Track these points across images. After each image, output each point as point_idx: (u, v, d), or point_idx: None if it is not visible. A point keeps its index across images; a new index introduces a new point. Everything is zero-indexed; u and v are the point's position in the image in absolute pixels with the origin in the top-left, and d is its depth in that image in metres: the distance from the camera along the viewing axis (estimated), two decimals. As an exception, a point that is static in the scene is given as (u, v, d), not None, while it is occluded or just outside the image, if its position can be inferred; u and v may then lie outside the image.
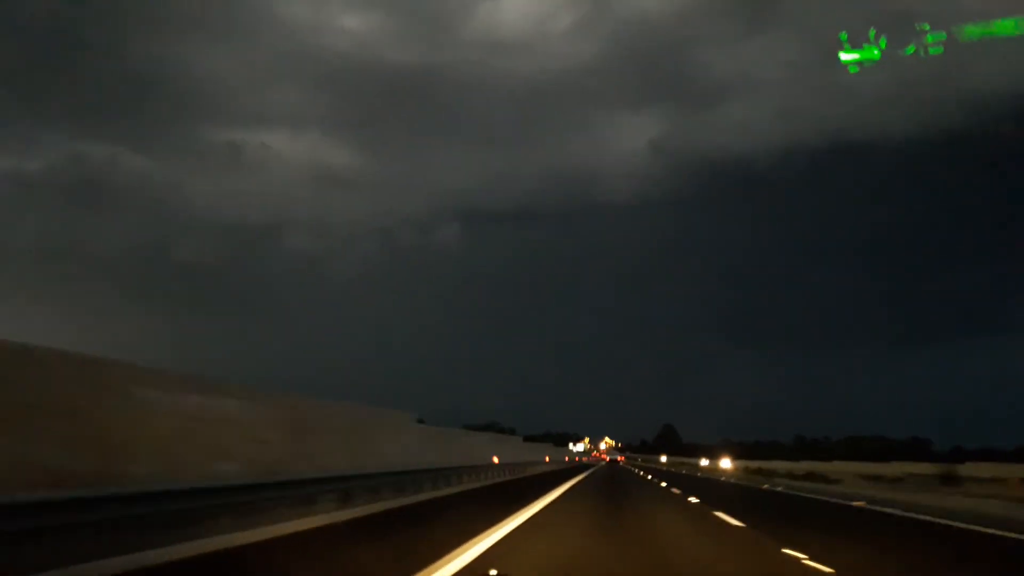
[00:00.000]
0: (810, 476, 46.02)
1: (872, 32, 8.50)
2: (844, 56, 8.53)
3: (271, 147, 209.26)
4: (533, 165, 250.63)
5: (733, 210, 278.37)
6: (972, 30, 8.60)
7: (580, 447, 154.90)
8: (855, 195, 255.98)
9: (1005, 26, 8.62)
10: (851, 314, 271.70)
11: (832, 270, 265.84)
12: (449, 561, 7.31)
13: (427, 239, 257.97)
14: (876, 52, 8.52)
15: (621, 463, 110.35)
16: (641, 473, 52.67)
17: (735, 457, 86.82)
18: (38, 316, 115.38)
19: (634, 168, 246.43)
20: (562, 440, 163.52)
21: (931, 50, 8.51)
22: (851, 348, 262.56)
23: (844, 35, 8.54)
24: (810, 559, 8.49)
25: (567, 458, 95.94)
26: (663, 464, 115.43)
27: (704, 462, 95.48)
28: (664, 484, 32.01)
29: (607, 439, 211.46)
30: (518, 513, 13.55)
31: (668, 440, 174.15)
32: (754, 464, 75.54)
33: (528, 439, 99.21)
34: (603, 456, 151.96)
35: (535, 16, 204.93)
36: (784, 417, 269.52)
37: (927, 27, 8.52)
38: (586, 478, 37.19)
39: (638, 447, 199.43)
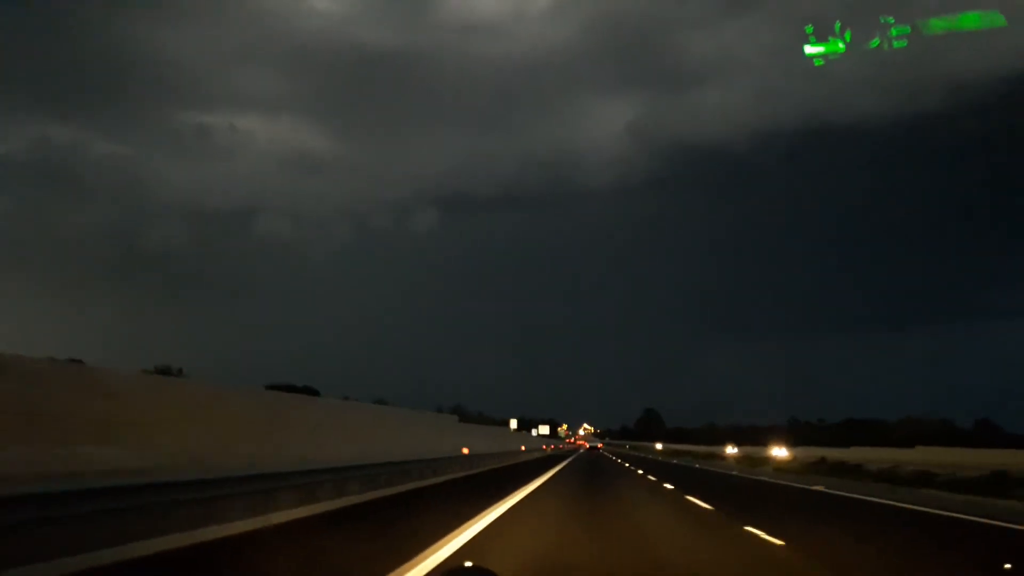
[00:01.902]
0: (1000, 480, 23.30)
1: (837, 25, 9.18)
2: (809, 49, 9.20)
3: (239, 130, 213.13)
4: (511, 149, 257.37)
5: (713, 193, 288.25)
6: (937, 24, 9.33)
7: (544, 429, 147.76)
8: (836, 177, 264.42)
9: (970, 19, 9.37)
10: (831, 297, 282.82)
11: (810, 253, 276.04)
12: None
13: (404, 224, 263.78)
14: (841, 45, 9.21)
15: (600, 450, 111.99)
16: (642, 474, 32.90)
17: (789, 444, 62.59)
18: (4, 301, 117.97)
19: (613, 152, 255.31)
20: (534, 426, 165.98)
21: (895, 43, 9.23)
22: (833, 331, 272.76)
23: (810, 28, 9.22)
24: None
25: (523, 447, 70.97)
26: (660, 453, 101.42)
27: (731, 450, 74.35)
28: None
29: (586, 425, 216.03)
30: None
31: (651, 425, 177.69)
32: (810, 453, 52.32)
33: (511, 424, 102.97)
34: (583, 443, 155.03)
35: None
36: (767, 401, 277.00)
37: (891, 20, 9.23)
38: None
39: (619, 433, 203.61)
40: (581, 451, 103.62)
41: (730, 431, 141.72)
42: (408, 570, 7.82)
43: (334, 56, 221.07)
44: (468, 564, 3.78)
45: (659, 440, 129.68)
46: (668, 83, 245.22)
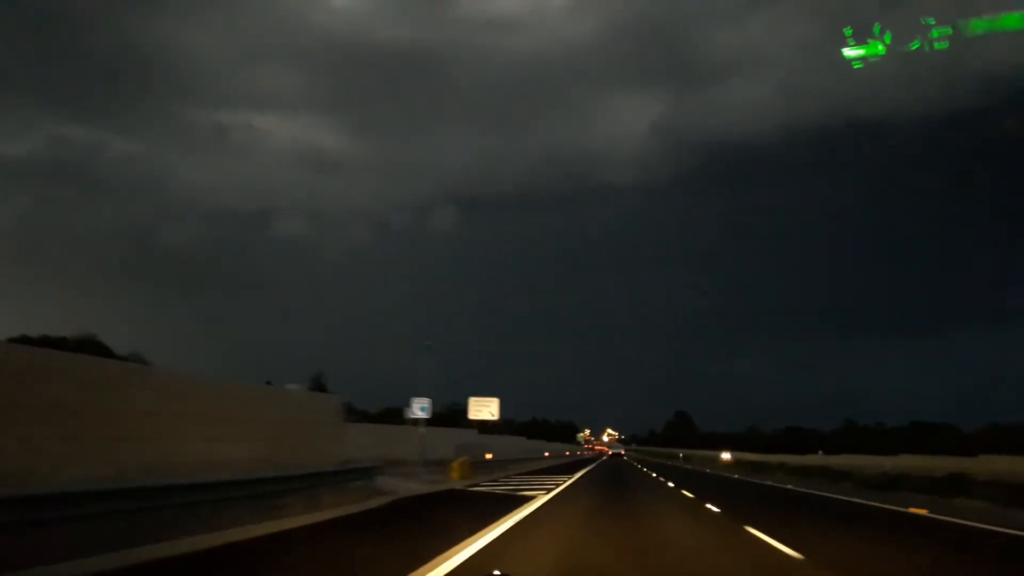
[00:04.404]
0: None
1: (876, 27, 10.00)
2: (848, 52, 10.01)
3: (257, 127, 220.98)
4: (532, 147, 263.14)
5: (739, 191, 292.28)
6: (978, 24, 10.10)
7: (485, 409, 73.05)
8: (869, 174, 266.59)
9: (1012, 20, 10.13)
10: (864, 299, 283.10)
11: (845, 253, 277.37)
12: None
13: (421, 223, 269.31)
14: (880, 47, 10.02)
15: (623, 458, 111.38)
16: None
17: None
18: (23, 301, 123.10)
19: (636, 149, 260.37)
20: (558, 433, 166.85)
21: (936, 45, 10.01)
22: (874, 333, 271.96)
23: (849, 30, 10.04)
24: None
25: None
26: (726, 461, 78.25)
27: None
28: None
29: (609, 431, 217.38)
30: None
31: (682, 430, 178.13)
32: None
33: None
34: (604, 449, 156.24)
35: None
36: (808, 404, 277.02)
37: (932, 21, 10.02)
38: None
39: (647, 439, 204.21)
40: (604, 458, 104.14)
41: (782, 435, 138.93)
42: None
43: (351, 53, 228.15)
44: (496, 573, 3.93)
45: (725, 448, 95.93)
46: (692, 79, 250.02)
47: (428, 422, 36.07)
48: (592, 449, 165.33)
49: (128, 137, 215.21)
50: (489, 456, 39.28)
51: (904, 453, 64.14)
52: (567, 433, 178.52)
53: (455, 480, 28.90)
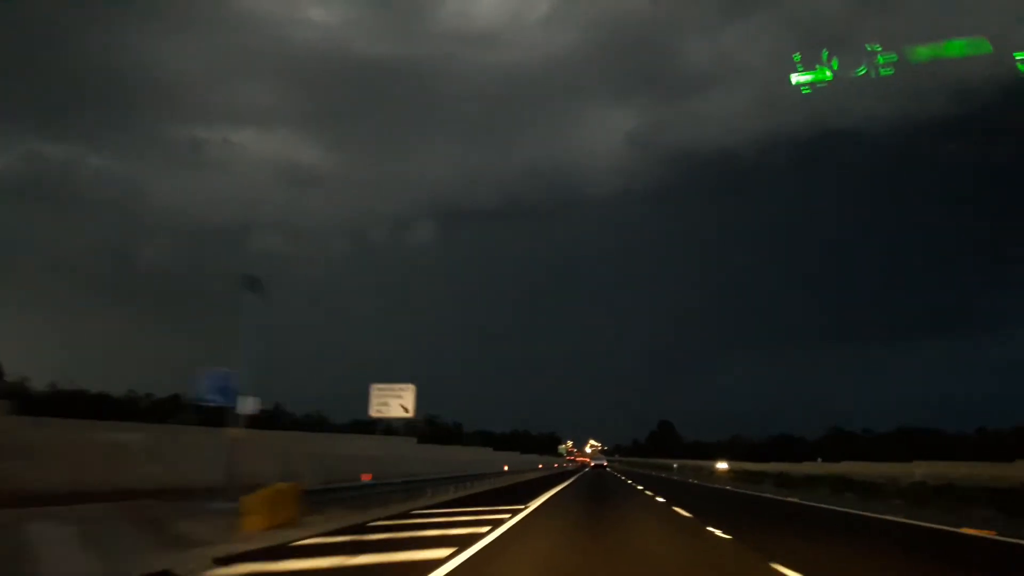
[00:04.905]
0: None
1: (824, 53, 10.35)
2: (796, 78, 10.36)
3: (234, 144, 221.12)
4: (511, 160, 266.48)
5: (720, 201, 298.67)
6: (923, 51, 10.47)
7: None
8: (846, 182, 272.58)
9: (956, 47, 10.51)
10: (844, 306, 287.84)
11: (822, 261, 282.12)
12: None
13: (401, 237, 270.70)
14: (828, 73, 10.38)
15: (606, 468, 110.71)
16: None
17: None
18: None
19: (616, 160, 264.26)
20: (536, 444, 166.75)
21: (882, 71, 10.39)
22: (849, 341, 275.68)
23: (798, 56, 10.38)
24: None
25: None
26: (724, 472, 74.05)
27: None
28: None
29: (592, 441, 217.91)
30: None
31: (666, 439, 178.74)
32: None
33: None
34: (586, 460, 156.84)
35: (509, 5, 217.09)
36: (793, 411, 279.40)
37: (879, 48, 10.39)
38: None
39: (631, 449, 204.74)
40: (586, 469, 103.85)
41: (770, 444, 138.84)
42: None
43: (330, 67, 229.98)
44: None
45: (721, 457, 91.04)
46: (669, 90, 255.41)
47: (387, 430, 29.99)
48: (574, 460, 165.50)
49: (104, 153, 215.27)
50: (367, 477, 22.90)
51: (915, 460, 56.12)
52: (549, 444, 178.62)
53: (244, 536, 13.18)
